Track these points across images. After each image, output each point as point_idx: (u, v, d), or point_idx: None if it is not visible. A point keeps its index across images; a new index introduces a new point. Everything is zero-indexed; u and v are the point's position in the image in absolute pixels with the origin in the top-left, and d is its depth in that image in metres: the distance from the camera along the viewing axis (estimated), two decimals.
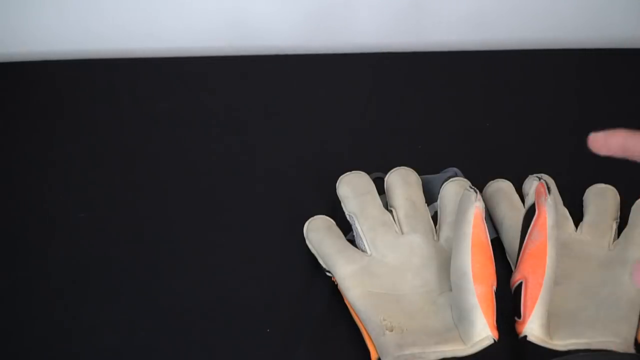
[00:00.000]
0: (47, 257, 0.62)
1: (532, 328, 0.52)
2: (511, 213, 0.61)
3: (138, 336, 0.57)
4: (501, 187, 0.63)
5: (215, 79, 0.77)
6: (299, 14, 0.78)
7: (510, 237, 0.59)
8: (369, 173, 0.63)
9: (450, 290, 0.55)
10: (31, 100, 0.75)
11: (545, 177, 0.60)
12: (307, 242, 0.60)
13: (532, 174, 0.60)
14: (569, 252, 0.59)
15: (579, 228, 0.61)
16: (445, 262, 0.57)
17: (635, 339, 0.53)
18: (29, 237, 0.63)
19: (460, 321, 0.53)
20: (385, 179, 0.63)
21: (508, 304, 0.54)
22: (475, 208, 0.53)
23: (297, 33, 0.80)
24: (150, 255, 0.62)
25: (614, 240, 0.60)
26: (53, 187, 0.67)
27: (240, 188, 0.66)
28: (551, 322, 0.53)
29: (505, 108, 0.74)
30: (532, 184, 0.55)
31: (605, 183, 0.64)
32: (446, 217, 0.61)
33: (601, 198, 0.63)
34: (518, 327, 0.53)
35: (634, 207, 0.62)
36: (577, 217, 0.62)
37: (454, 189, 0.62)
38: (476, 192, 0.53)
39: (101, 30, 0.79)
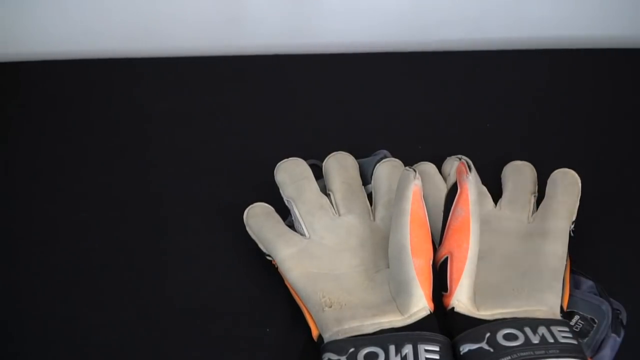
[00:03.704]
0: (47, 257, 0.62)
1: (459, 300, 0.53)
2: (434, 193, 0.62)
3: (138, 336, 0.57)
4: (424, 170, 0.65)
5: (215, 79, 0.77)
6: (299, 14, 0.78)
7: (433, 216, 0.59)
8: (306, 159, 0.64)
9: (387, 267, 0.56)
10: (31, 100, 0.75)
11: (465, 157, 0.61)
12: (247, 228, 0.60)
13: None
14: (490, 227, 0.60)
15: (498, 204, 0.63)
16: (381, 241, 0.58)
17: (562, 307, 0.54)
18: (29, 237, 0.63)
19: (398, 293, 0.54)
20: (323, 164, 0.65)
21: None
22: (415, 186, 0.54)
23: (297, 33, 0.80)
24: (151, 254, 0.62)
25: (532, 214, 0.61)
26: (53, 187, 0.67)
27: (239, 187, 0.66)
28: (477, 296, 0.54)
29: (505, 108, 0.74)
30: (453, 164, 0.57)
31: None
32: (381, 197, 0.62)
33: (518, 174, 0.64)
34: (445, 300, 0.54)
35: (549, 180, 0.63)
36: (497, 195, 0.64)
37: (387, 169, 0.64)
38: (415, 171, 0.54)
39: (101, 30, 0.79)
